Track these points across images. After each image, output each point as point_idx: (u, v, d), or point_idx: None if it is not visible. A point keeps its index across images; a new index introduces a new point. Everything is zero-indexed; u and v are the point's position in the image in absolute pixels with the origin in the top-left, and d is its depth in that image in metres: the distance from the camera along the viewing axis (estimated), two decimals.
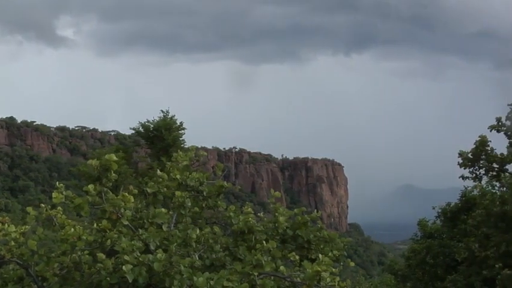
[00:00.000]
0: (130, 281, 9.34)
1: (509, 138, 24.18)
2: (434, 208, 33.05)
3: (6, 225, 10.42)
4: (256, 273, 9.82)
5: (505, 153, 24.84)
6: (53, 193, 10.37)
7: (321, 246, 12.07)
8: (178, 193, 11.51)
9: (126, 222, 10.33)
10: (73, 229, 10.12)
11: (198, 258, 10.39)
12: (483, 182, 27.03)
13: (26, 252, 10.33)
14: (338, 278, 9.81)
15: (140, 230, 10.42)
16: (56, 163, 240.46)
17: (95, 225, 10.34)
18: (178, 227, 11.16)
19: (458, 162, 25.51)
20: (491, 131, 24.30)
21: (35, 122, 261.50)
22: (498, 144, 25.15)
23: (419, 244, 32.83)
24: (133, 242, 9.81)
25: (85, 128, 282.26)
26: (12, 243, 10.30)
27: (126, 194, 10.48)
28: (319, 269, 9.51)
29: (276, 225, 11.91)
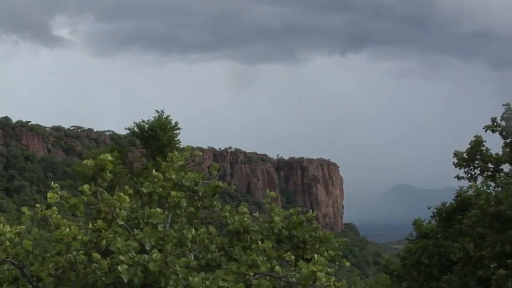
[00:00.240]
0: (126, 281, 9.33)
1: (504, 139, 24.21)
2: (429, 208, 33.09)
3: (1, 225, 10.40)
4: (251, 273, 9.81)
5: (500, 153, 24.87)
6: (48, 193, 10.36)
7: (317, 246, 12.06)
8: (173, 193, 11.51)
9: (121, 222, 10.32)
10: (68, 229, 10.11)
11: (193, 258, 10.38)
12: (478, 182, 27.07)
13: (21, 252, 10.31)
14: (333, 278, 9.82)
15: (135, 230, 10.41)
16: (51, 163, 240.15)
17: (90, 225, 10.33)
18: (173, 227, 11.15)
19: (454, 162, 25.55)
20: (486, 131, 24.33)
21: (30, 122, 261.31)
22: (493, 144, 25.22)
23: (414, 244, 32.86)
24: (128, 242, 9.80)
25: (80, 128, 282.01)
26: (7, 243, 10.28)
27: (121, 194, 10.47)
28: (314, 269, 9.51)
29: (272, 225, 11.90)
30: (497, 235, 23.95)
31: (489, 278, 23.58)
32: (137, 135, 37.85)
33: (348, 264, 12.42)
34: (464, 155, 25.16)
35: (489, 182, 27.91)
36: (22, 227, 10.60)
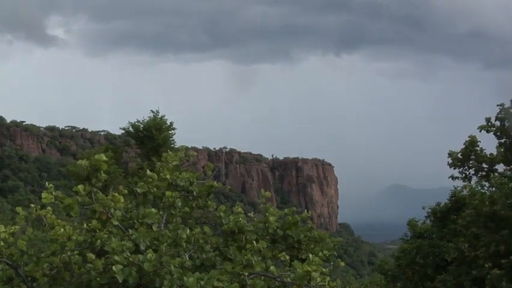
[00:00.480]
0: (120, 281, 9.32)
1: (498, 139, 24.23)
2: (424, 208, 33.16)
3: None
4: (246, 273, 9.81)
5: (495, 153, 24.90)
6: (42, 193, 10.34)
7: (312, 246, 12.06)
8: (168, 193, 11.50)
9: (116, 223, 10.31)
10: (62, 229, 10.09)
11: (188, 258, 10.37)
12: (472, 182, 27.09)
13: (15, 253, 10.29)
14: (328, 278, 9.82)
15: (130, 230, 10.40)
16: (46, 163, 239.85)
17: (85, 225, 10.31)
18: (168, 227, 11.14)
19: (448, 162, 25.56)
20: (480, 131, 24.33)
21: (24, 121, 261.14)
22: (488, 144, 25.23)
23: (409, 244, 32.92)
24: (123, 242, 9.78)
25: (74, 128, 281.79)
26: (2, 243, 10.26)
27: (116, 194, 10.46)
28: (309, 269, 9.50)
29: (267, 225, 11.90)
30: (491, 235, 24.00)
31: (483, 278, 23.63)
32: (132, 135, 37.79)
33: (342, 264, 12.42)
34: (459, 155, 25.17)
35: (483, 182, 27.95)
36: (16, 227, 10.57)
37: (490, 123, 23.86)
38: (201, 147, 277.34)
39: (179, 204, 11.60)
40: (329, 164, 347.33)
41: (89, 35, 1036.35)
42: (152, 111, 37.65)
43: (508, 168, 25.22)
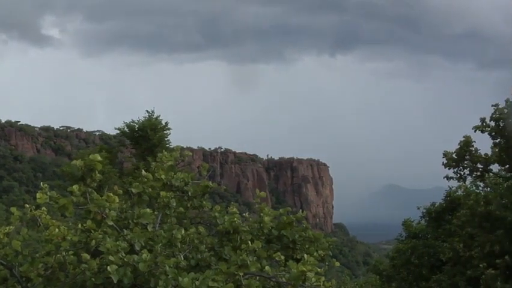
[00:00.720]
0: (115, 282, 9.31)
1: (493, 139, 24.28)
2: (418, 208, 33.15)
3: None
4: (241, 274, 9.81)
5: (489, 153, 24.96)
6: (37, 193, 10.32)
7: (306, 246, 12.07)
8: (163, 193, 11.50)
9: (111, 223, 10.30)
10: (57, 229, 10.08)
11: (183, 259, 10.37)
12: (467, 182, 27.15)
13: (10, 253, 10.28)
14: (323, 278, 9.82)
15: (125, 231, 10.40)
16: (41, 163, 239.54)
17: (79, 225, 10.30)
18: (163, 227, 11.13)
19: (443, 162, 25.61)
20: (475, 131, 24.39)
21: (19, 122, 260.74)
22: (482, 144, 25.30)
23: (404, 244, 32.91)
24: (118, 243, 9.78)
25: (69, 128, 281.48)
26: None
27: (111, 194, 10.45)
28: (304, 269, 9.51)
29: (262, 225, 11.90)
30: (486, 235, 24.03)
31: (478, 278, 23.65)
32: (127, 136, 37.74)
33: (337, 264, 12.45)
34: (454, 155, 25.23)
35: (478, 182, 27.99)
36: (11, 227, 10.56)
37: (484, 124, 23.92)
38: (196, 148, 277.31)
39: (174, 204, 11.60)
40: (324, 164, 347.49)
41: (84, 35, 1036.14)
42: (147, 111, 37.64)
43: (503, 168, 25.28)
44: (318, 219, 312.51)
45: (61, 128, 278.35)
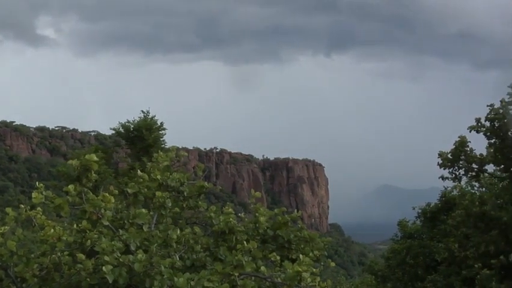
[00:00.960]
0: (110, 282, 9.31)
1: (488, 139, 24.28)
2: (414, 208, 33.19)
3: None
4: (237, 274, 9.81)
5: (484, 153, 24.96)
6: (32, 193, 10.31)
7: (302, 246, 12.08)
8: (158, 193, 11.49)
9: (106, 223, 10.30)
10: (52, 230, 10.06)
11: (178, 259, 10.37)
12: (462, 182, 27.16)
13: (5, 253, 10.26)
14: (318, 278, 9.83)
15: (120, 231, 10.39)
16: (36, 163, 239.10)
17: (75, 225, 10.29)
18: (158, 227, 11.13)
19: (438, 162, 25.60)
20: (470, 131, 24.37)
21: (14, 122, 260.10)
22: (477, 144, 25.29)
23: (399, 244, 32.97)
24: (113, 243, 9.77)
25: (64, 128, 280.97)
26: None
27: (106, 194, 10.44)
28: (300, 269, 9.52)
29: (257, 225, 11.91)
30: (481, 235, 24.06)
31: (473, 278, 23.68)
32: (122, 136, 37.64)
33: (333, 264, 12.46)
34: (449, 156, 25.22)
35: (473, 183, 28.01)
36: (6, 227, 10.54)
37: (479, 124, 23.91)
38: (191, 148, 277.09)
39: (170, 204, 11.60)
40: (320, 165, 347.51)
41: (79, 35, 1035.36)
42: (142, 111, 37.53)
43: (498, 168, 25.29)
44: (313, 220, 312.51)
45: (56, 128, 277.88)
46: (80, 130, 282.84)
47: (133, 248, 10.12)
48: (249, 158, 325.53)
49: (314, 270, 9.93)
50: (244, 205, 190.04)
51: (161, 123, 37.15)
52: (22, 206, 10.54)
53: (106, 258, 9.47)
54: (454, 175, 25.55)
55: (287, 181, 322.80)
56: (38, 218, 10.44)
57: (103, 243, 9.68)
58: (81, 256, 9.61)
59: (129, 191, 11.51)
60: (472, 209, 24.68)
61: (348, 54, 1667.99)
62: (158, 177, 11.84)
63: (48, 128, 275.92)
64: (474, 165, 25.15)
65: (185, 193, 12.07)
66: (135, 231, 10.49)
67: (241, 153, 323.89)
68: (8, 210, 10.50)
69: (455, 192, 29.95)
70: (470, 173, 25.44)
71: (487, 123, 23.74)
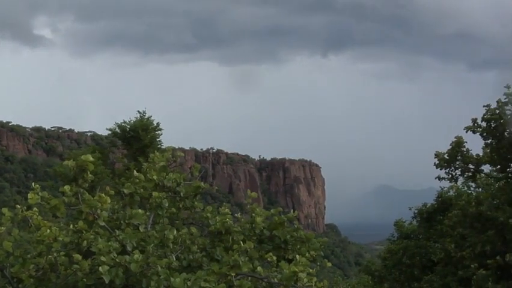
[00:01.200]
0: (107, 282, 9.30)
1: (485, 139, 24.31)
2: (410, 209, 33.24)
3: None
4: (233, 274, 9.81)
5: (481, 154, 24.99)
6: (28, 194, 10.29)
7: (298, 247, 12.08)
8: (155, 194, 11.47)
9: (103, 223, 10.28)
10: (48, 230, 10.05)
11: (175, 259, 10.36)
12: (459, 182, 27.20)
13: (1, 254, 10.23)
14: (315, 279, 9.84)
15: (117, 231, 10.38)
16: (32, 164, 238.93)
17: (71, 226, 10.28)
18: (155, 227, 11.11)
19: (434, 163, 25.62)
20: (467, 132, 24.40)
21: (10, 122, 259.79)
22: (474, 145, 25.32)
23: (396, 245, 33.01)
24: (109, 243, 9.76)
25: (61, 128, 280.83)
26: None
27: (102, 195, 10.43)
28: (296, 269, 9.52)
29: (253, 225, 11.90)
30: (477, 235, 24.10)
31: (470, 278, 23.71)
32: (118, 136, 37.65)
33: (329, 264, 12.43)
34: (445, 156, 25.24)
35: (470, 183, 28.09)
36: (2, 228, 10.51)
37: (476, 124, 23.94)
38: (188, 148, 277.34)
39: (166, 205, 11.57)
40: (316, 165, 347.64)
41: (76, 35, 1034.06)
42: (139, 111, 37.55)
43: (494, 169, 25.32)
44: (310, 220, 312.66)
45: (53, 129, 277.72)
46: (76, 130, 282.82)
47: (129, 248, 10.11)
48: (245, 159, 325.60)
49: (311, 270, 9.93)
50: (240, 205, 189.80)
51: (158, 124, 37.19)
52: (18, 206, 10.52)
53: (103, 258, 9.46)
54: (450, 175, 25.56)
55: (284, 181, 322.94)
56: (34, 219, 10.42)
57: (100, 244, 9.67)
58: (77, 256, 9.59)
59: (125, 191, 11.50)
60: (468, 209, 24.73)
61: (345, 54, 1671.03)
62: (155, 177, 11.82)
63: (45, 128, 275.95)
64: (470, 166, 25.16)
65: (181, 193, 12.05)
66: (131, 232, 10.47)
67: (237, 154, 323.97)
68: (4, 210, 10.47)
69: (451, 193, 30.04)
70: (467, 174, 25.46)
71: (484, 124, 23.77)
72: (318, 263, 12.33)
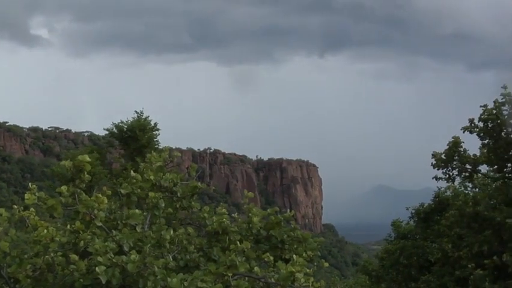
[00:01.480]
0: (104, 283, 9.30)
1: (482, 140, 24.32)
2: (407, 209, 33.24)
3: None
4: (230, 274, 9.81)
5: (478, 154, 25.00)
6: (25, 194, 10.29)
7: (295, 246, 12.08)
8: (151, 194, 11.47)
9: (100, 224, 10.28)
10: (45, 230, 10.04)
11: (171, 259, 10.36)
12: (456, 182, 27.22)
13: None
14: (312, 279, 9.84)
15: (114, 231, 10.37)
16: (29, 164, 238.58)
17: (68, 226, 10.27)
18: (152, 228, 11.11)
19: (432, 163, 25.63)
20: (464, 132, 24.41)
21: (7, 122, 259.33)
22: (471, 145, 25.33)
23: (393, 245, 33.02)
24: (106, 243, 9.76)
25: (58, 128, 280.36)
26: None
27: (99, 195, 10.43)
28: (293, 269, 9.53)
29: (250, 225, 11.90)
30: (474, 235, 24.11)
31: (467, 278, 23.73)
32: (116, 136, 37.63)
33: (326, 264, 12.44)
34: (442, 156, 25.24)
35: (467, 183, 28.09)
36: None
37: (473, 124, 23.95)
38: (185, 148, 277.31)
39: (163, 205, 11.57)
40: (313, 165, 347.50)
41: (73, 35, 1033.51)
42: (136, 112, 37.55)
43: (491, 169, 25.34)
44: (307, 220, 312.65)
45: (50, 129, 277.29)
46: (73, 130, 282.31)
47: (126, 248, 10.11)
48: (242, 159, 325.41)
49: (308, 270, 9.93)
50: (237, 205, 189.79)
51: (155, 124, 37.18)
52: (15, 206, 10.52)
53: (99, 258, 9.46)
54: (447, 175, 25.57)
55: (281, 181, 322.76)
56: (32, 219, 10.41)
57: (96, 244, 9.67)
58: (74, 257, 9.59)
59: (122, 191, 11.50)
60: (465, 210, 24.74)
61: (342, 55, 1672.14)
62: (152, 177, 11.82)
63: (42, 128, 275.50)
64: (467, 166, 25.17)
65: (178, 194, 12.05)
66: (128, 232, 10.47)
67: (235, 154, 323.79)
68: (1, 210, 10.47)
69: (448, 193, 30.03)
70: (464, 174, 25.47)
71: (481, 124, 23.78)
72: (315, 263, 12.33)
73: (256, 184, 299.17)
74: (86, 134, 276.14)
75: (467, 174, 25.48)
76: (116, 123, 37.08)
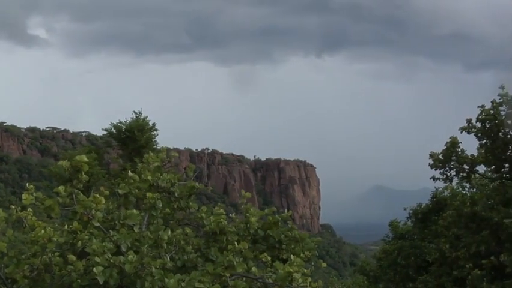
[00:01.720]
0: (101, 283, 9.29)
1: (479, 140, 24.35)
2: (405, 209, 33.25)
3: None
4: (228, 274, 9.81)
5: (476, 154, 25.03)
6: (23, 194, 10.28)
7: (292, 246, 12.07)
8: (149, 194, 11.45)
9: (97, 224, 10.27)
10: (43, 231, 10.03)
11: (169, 260, 10.35)
12: (453, 183, 27.23)
13: None
14: (309, 279, 9.83)
15: (111, 232, 10.37)
16: (27, 164, 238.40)
17: (65, 226, 10.27)
18: (149, 228, 11.10)
19: (429, 163, 25.65)
20: (461, 132, 24.43)
21: (5, 122, 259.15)
22: (469, 145, 25.35)
23: (391, 245, 33.04)
24: (104, 244, 9.75)
25: (55, 128, 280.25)
26: None
27: (97, 195, 10.42)
28: (291, 269, 9.52)
29: (248, 225, 11.89)
30: (472, 236, 24.13)
31: (464, 278, 23.76)
32: (114, 136, 37.64)
33: (324, 265, 12.44)
34: (440, 156, 25.26)
35: (464, 183, 28.12)
36: None
37: (471, 125, 23.97)
38: (183, 148, 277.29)
39: (161, 205, 11.55)
40: (311, 165, 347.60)
41: (71, 35, 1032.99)
42: (134, 112, 37.58)
43: (489, 169, 25.36)
44: (305, 220, 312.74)
45: (47, 129, 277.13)
46: (71, 131, 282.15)
47: (123, 249, 10.10)
48: (240, 159, 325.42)
49: (305, 270, 9.93)
50: (235, 206, 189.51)
51: (154, 124, 37.21)
52: (13, 206, 10.51)
53: (97, 259, 9.45)
54: (445, 176, 25.59)
55: (278, 182, 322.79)
56: (29, 219, 10.40)
57: (94, 244, 9.67)
58: (72, 257, 9.58)
59: (120, 191, 11.48)
60: (463, 210, 24.77)
61: (340, 55, 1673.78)
62: (149, 178, 11.80)
63: (39, 128, 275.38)
64: (465, 166, 25.19)
65: (176, 194, 12.03)
66: (126, 232, 10.46)
67: (232, 154, 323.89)
68: None
69: (446, 193, 30.04)
70: (461, 174, 25.49)
71: (478, 124, 23.80)
72: (313, 263, 12.32)
73: (254, 184, 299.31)
74: (84, 134, 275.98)
75: (464, 174, 25.51)
76: (115, 123, 37.09)
